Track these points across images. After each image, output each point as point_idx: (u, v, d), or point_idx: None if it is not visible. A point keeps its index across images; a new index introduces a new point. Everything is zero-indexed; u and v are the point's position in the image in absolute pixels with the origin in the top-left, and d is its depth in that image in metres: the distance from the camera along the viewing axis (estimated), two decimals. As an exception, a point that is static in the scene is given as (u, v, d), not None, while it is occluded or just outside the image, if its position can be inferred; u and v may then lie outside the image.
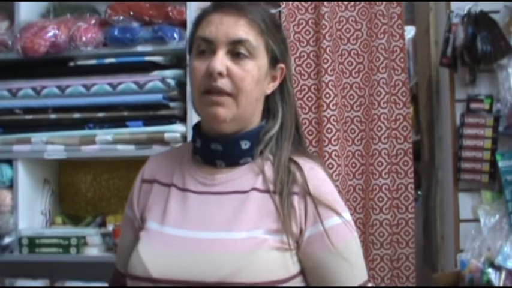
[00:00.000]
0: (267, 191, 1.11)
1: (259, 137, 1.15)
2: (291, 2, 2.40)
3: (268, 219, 1.08)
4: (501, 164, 2.09)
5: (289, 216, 1.08)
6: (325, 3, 2.34)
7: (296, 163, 1.14)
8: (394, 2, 2.36)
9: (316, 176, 1.13)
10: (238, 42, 1.09)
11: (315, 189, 1.10)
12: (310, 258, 1.09)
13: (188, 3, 2.11)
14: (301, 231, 1.09)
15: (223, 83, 1.08)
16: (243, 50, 1.10)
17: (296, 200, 1.10)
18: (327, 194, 1.12)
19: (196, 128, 1.19)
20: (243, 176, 1.14)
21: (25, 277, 2.21)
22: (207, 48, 1.10)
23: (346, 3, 2.39)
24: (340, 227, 1.10)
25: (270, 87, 1.17)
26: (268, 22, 1.14)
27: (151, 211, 1.17)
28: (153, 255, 1.08)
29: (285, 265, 1.07)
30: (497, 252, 1.93)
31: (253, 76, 1.10)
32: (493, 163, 2.12)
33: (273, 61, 1.15)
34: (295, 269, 1.09)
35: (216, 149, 1.14)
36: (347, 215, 1.13)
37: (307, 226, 1.09)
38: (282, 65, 1.17)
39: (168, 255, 1.08)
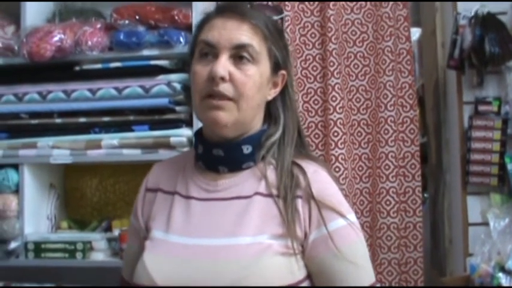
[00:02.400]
0: (270, 195, 1.10)
1: (260, 142, 1.14)
2: (296, 5, 2.39)
3: (273, 224, 1.07)
4: (510, 166, 2.08)
5: (293, 220, 1.07)
6: (331, 5, 2.33)
7: (299, 166, 1.13)
8: (400, 4, 2.34)
9: (320, 179, 1.12)
10: (241, 46, 1.09)
11: (318, 192, 1.09)
12: (315, 262, 1.08)
13: (194, 5, 2.11)
14: (305, 235, 1.08)
15: (225, 88, 1.07)
16: (246, 54, 1.09)
17: (300, 204, 1.09)
18: (331, 196, 1.11)
19: (198, 134, 1.18)
20: (246, 181, 1.13)
21: (31, 282, 2.21)
22: (210, 52, 1.10)
23: (352, 5, 2.38)
24: (345, 229, 1.09)
25: (272, 93, 1.16)
26: (271, 28, 1.14)
27: (155, 220, 1.16)
28: (158, 263, 1.08)
29: (291, 270, 1.06)
30: (507, 257, 1.91)
31: (255, 81, 1.09)
32: (502, 166, 2.10)
33: (275, 67, 1.14)
34: (301, 274, 1.07)
35: (218, 155, 1.13)
36: (352, 216, 1.11)
37: (312, 229, 1.08)
38: (284, 72, 1.17)
39: (173, 263, 1.07)
